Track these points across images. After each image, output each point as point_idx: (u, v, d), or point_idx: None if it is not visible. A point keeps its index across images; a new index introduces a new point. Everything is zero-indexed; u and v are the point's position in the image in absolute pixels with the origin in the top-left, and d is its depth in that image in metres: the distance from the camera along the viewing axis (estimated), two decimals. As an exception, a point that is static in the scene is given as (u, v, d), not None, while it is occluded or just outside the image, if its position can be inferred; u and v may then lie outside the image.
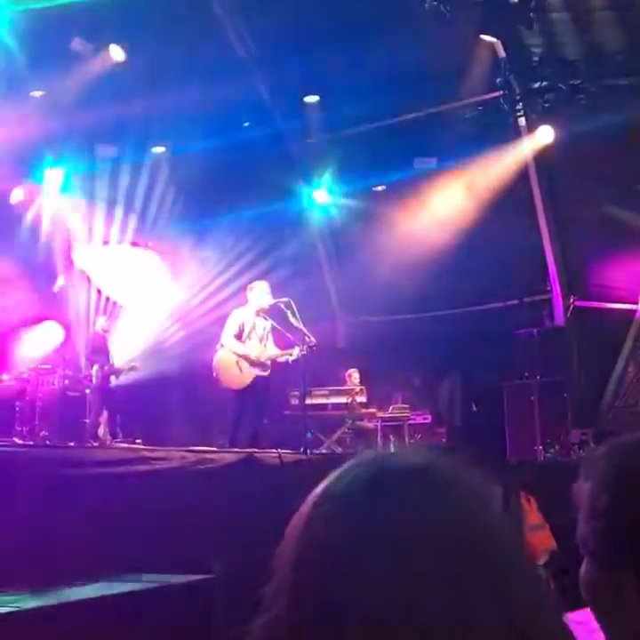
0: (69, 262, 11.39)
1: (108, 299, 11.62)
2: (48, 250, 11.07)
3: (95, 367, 9.85)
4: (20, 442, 7.67)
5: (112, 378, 10.01)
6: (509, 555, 0.77)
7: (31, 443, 7.77)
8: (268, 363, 8.41)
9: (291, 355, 8.30)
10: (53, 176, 11.34)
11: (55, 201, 11.33)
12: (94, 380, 9.79)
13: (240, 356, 8.24)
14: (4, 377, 9.27)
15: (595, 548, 1.06)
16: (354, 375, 11.39)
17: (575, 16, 9.99)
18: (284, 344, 8.52)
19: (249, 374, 8.25)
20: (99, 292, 11.68)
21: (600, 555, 1.05)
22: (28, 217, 10.98)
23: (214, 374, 8.39)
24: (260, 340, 8.43)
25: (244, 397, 8.25)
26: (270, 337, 8.53)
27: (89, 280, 11.73)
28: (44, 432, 8.80)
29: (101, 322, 10.44)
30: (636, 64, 9.98)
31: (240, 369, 8.25)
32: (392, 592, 0.71)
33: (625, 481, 1.05)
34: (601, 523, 1.05)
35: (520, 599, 0.73)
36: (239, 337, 8.34)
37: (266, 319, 8.48)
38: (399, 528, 0.74)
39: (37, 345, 10.20)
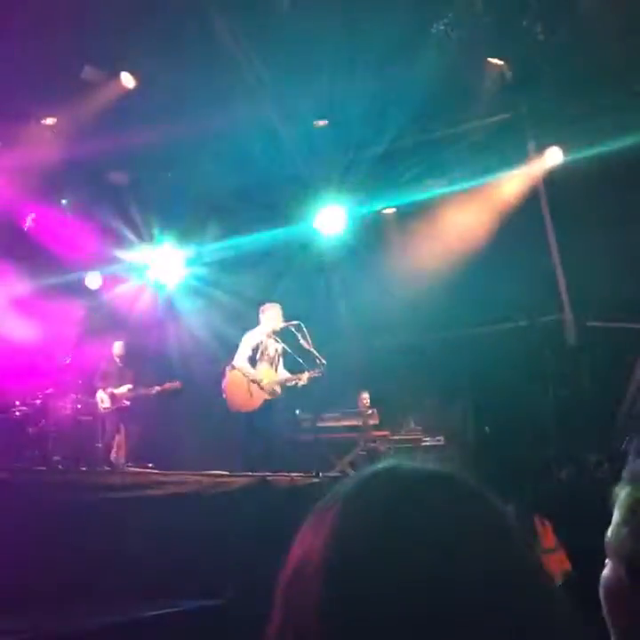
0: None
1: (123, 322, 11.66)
2: (62, 275, 11.16)
3: (99, 392, 9.86)
4: (34, 467, 7.68)
5: (125, 402, 10.00)
6: (528, 567, 0.77)
7: (44, 468, 7.78)
8: (278, 387, 8.41)
9: (300, 379, 8.30)
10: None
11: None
12: (100, 405, 9.80)
13: (251, 380, 8.25)
14: (17, 403, 9.29)
15: (627, 552, 1.05)
16: (365, 397, 11.37)
17: (584, 37, 10.03)
18: (295, 367, 8.53)
19: (259, 398, 8.25)
20: (115, 314, 11.74)
21: (632, 559, 1.05)
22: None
23: (224, 396, 8.40)
24: (271, 363, 8.44)
25: (254, 420, 8.25)
26: (281, 360, 8.54)
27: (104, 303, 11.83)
28: (56, 457, 8.80)
29: (118, 348, 10.43)
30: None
31: (250, 392, 8.26)
32: (432, 596, 0.70)
33: None
34: (636, 529, 1.05)
35: (533, 615, 0.73)
36: (251, 360, 8.35)
37: (277, 341, 8.49)
38: (431, 533, 0.73)
39: (50, 370, 10.23)
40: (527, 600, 0.73)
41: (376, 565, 0.72)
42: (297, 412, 10.39)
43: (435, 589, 0.70)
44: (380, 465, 0.82)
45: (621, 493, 1.10)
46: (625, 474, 1.13)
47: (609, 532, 1.10)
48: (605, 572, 1.09)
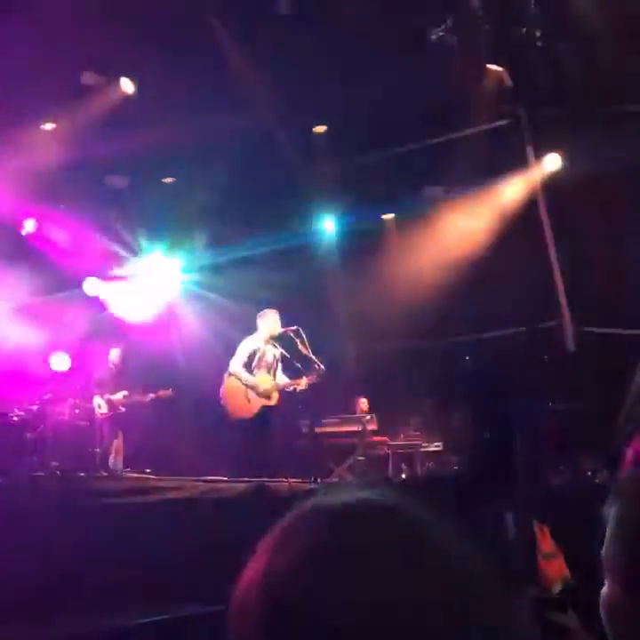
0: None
1: (122, 328, 11.64)
2: (60, 280, 11.15)
3: (96, 398, 9.86)
4: (32, 473, 7.65)
5: (121, 409, 9.98)
6: (478, 590, 0.75)
7: (42, 473, 7.76)
8: (276, 393, 8.40)
9: (298, 385, 8.30)
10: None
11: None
12: (97, 410, 9.80)
13: (248, 386, 8.24)
14: (15, 408, 9.27)
15: (621, 570, 1.05)
16: (363, 402, 11.36)
17: (582, 44, 10.05)
18: (293, 373, 8.52)
19: (256, 404, 8.24)
20: (113, 321, 11.72)
21: (626, 577, 1.04)
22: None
23: (222, 403, 8.39)
24: (269, 369, 8.44)
25: (252, 426, 8.24)
26: (279, 365, 8.53)
27: (103, 309, 11.81)
28: (54, 463, 8.78)
29: (114, 355, 10.41)
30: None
31: (248, 399, 8.25)
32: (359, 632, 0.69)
33: None
34: (628, 544, 1.04)
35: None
36: (248, 366, 8.34)
37: (276, 347, 8.49)
38: (355, 568, 0.72)
39: (47, 375, 10.21)
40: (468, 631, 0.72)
41: (307, 598, 0.72)
42: (295, 417, 10.38)
43: (366, 623, 0.70)
44: (310, 500, 0.82)
45: (611, 510, 1.09)
46: (613, 489, 1.12)
47: (603, 550, 1.09)
48: (604, 590, 1.07)
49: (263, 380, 8.33)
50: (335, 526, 0.76)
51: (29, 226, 11.14)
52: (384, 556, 0.73)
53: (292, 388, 8.41)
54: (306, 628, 0.70)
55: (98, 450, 9.54)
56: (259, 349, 8.41)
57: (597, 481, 8.81)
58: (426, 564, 0.74)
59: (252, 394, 8.25)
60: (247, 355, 8.37)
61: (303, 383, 8.22)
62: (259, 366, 8.39)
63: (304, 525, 0.78)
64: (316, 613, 0.70)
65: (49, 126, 10.62)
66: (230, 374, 8.38)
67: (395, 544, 0.75)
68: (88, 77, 10.34)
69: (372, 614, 0.70)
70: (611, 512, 1.09)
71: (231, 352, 8.63)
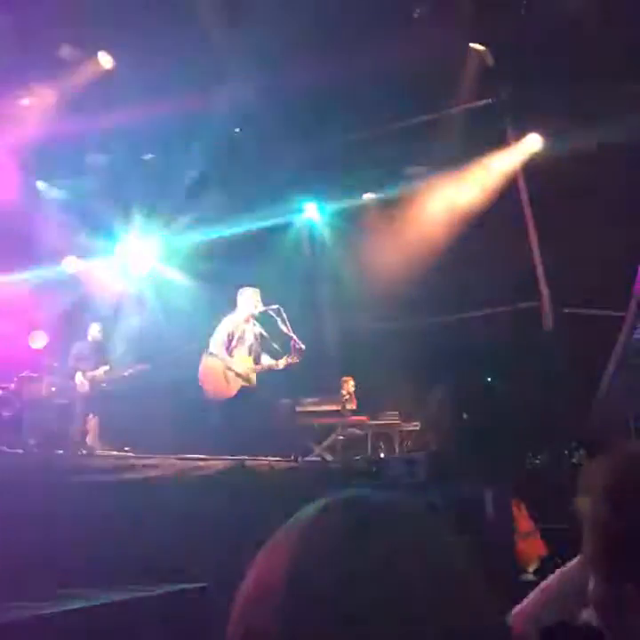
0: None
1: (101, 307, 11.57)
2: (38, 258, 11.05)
3: (78, 374, 9.80)
4: (8, 450, 7.62)
5: (102, 385, 9.94)
6: (480, 610, 0.76)
7: (19, 451, 7.72)
8: (254, 375, 8.37)
9: (277, 365, 8.29)
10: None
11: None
12: (78, 388, 9.74)
13: (227, 367, 8.21)
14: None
15: (600, 563, 1.04)
16: (349, 382, 11.38)
17: (567, 24, 10.02)
18: (272, 351, 8.50)
19: (235, 385, 8.21)
20: (92, 298, 11.65)
21: (606, 570, 1.03)
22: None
23: (200, 383, 8.34)
24: (249, 349, 8.40)
25: (230, 407, 8.21)
26: (259, 344, 8.50)
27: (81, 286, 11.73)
28: (31, 440, 8.74)
29: (94, 330, 10.33)
30: (629, 72, 10.03)
31: (226, 380, 8.21)
32: (389, 628, 0.70)
33: (624, 494, 1.04)
34: (604, 537, 1.04)
35: None
36: (228, 345, 8.31)
37: (255, 325, 8.46)
38: (391, 564, 0.74)
39: (24, 353, 10.15)
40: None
41: (335, 594, 0.72)
42: (275, 396, 10.38)
43: (393, 621, 0.71)
44: (341, 494, 0.82)
45: (584, 505, 1.09)
46: (580, 484, 1.11)
47: (583, 548, 1.09)
48: (590, 586, 1.07)
49: (243, 360, 8.30)
50: (364, 524, 0.77)
51: (6, 203, 11.01)
52: (411, 556, 0.75)
53: (272, 367, 8.39)
54: (330, 620, 0.71)
55: (75, 428, 9.50)
56: (238, 328, 8.37)
57: (574, 461, 8.89)
58: (451, 565, 0.77)
59: (231, 374, 8.22)
60: (226, 334, 8.33)
61: (283, 362, 8.21)
62: (237, 346, 8.35)
63: (334, 520, 0.79)
64: (343, 607, 0.71)
65: (27, 102, 10.47)
66: (209, 354, 8.34)
67: (422, 546, 0.77)
68: (65, 51, 10.18)
69: (396, 612, 0.71)
70: (585, 506, 1.09)
71: (208, 331, 8.57)
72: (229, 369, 8.19)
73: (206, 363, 8.34)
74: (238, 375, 8.23)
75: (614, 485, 1.05)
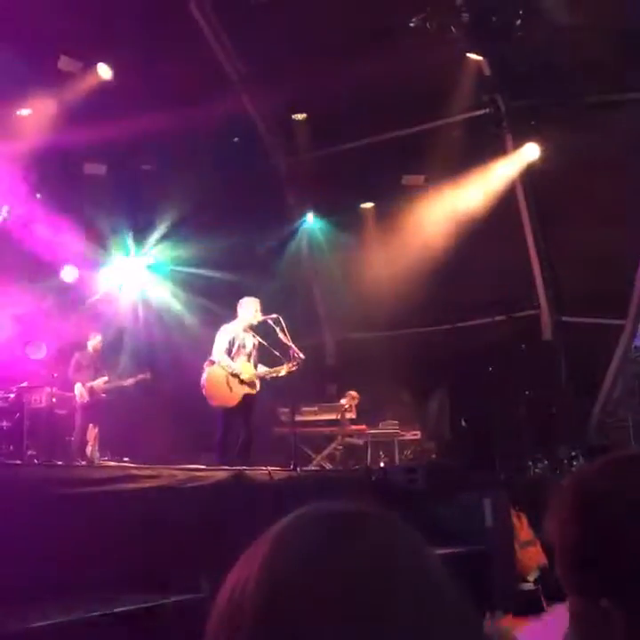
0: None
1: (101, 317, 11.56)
2: (37, 268, 11.05)
3: (78, 385, 9.79)
4: (7, 461, 7.60)
5: (102, 395, 9.92)
6: (456, 615, 0.77)
7: (18, 462, 7.71)
8: (257, 381, 8.39)
9: (278, 373, 8.29)
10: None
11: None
12: (78, 398, 9.74)
13: (231, 373, 8.21)
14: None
15: (572, 580, 1.05)
16: (352, 395, 11.39)
17: (562, 34, 10.07)
18: (270, 361, 8.51)
19: (238, 392, 8.21)
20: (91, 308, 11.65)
21: (578, 586, 1.04)
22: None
23: (203, 391, 8.35)
24: (249, 356, 8.42)
25: (233, 415, 8.22)
26: (257, 354, 8.51)
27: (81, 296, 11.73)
28: (31, 451, 8.73)
29: (94, 341, 10.31)
30: (623, 81, 10.09)
31: (230, 387, 8.22)
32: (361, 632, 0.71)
33: (590, 511, 1.05)
34: (574, 554, 1.05)
35: None
36: (228, 353, 8.32)
37: (254, 336, 8.47)
38: (361, 571, 0.75)
39: (24, 364, 10.13)
40: None
41: (303, 600, 0.73)
42: (275, 406, 10.38)
43: (364, 622, 0.72)
44: (310, 506, 0.83)
45: (552, 523, 1.09)
46: (551, 504, 1.12)
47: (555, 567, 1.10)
48: (568, 605, 1.08)
49: (245, 367, 8.31)
50: (335, 530, 0.78)
51: (5, 213, 11.01)
52: (382, 560, 0.76)
53: (271, 376, 8.39)
54: (302, 625, 0.72)
55: (75, 439, 9.49)
56: (238, 336, 8.38)
57: (574, 469, 8.88)
58: (423, 568, 0.78)
59: (234, 382, 8.22)
60: (227, 341, 8.33)
61: (283, 371, 8.21)
62: (238, 354, 8.36)
63: (305, 527, 0.80)
64: (314, 612, 0.72)
65: (26, 112, 10.49)
66: (212, 363, 8.33)
67: (393, 550, 0.78)
68: (65, 63, 10.21)
69: (368, 613, 0.72)
70: (554, 525, 1.09)
71: (208, 341, 8.57)
72: (233, 376, 8.20)
73: (209, 371, 8.35)
74: (243, 382, 8.23)
75: (582, 500, 1.06)
